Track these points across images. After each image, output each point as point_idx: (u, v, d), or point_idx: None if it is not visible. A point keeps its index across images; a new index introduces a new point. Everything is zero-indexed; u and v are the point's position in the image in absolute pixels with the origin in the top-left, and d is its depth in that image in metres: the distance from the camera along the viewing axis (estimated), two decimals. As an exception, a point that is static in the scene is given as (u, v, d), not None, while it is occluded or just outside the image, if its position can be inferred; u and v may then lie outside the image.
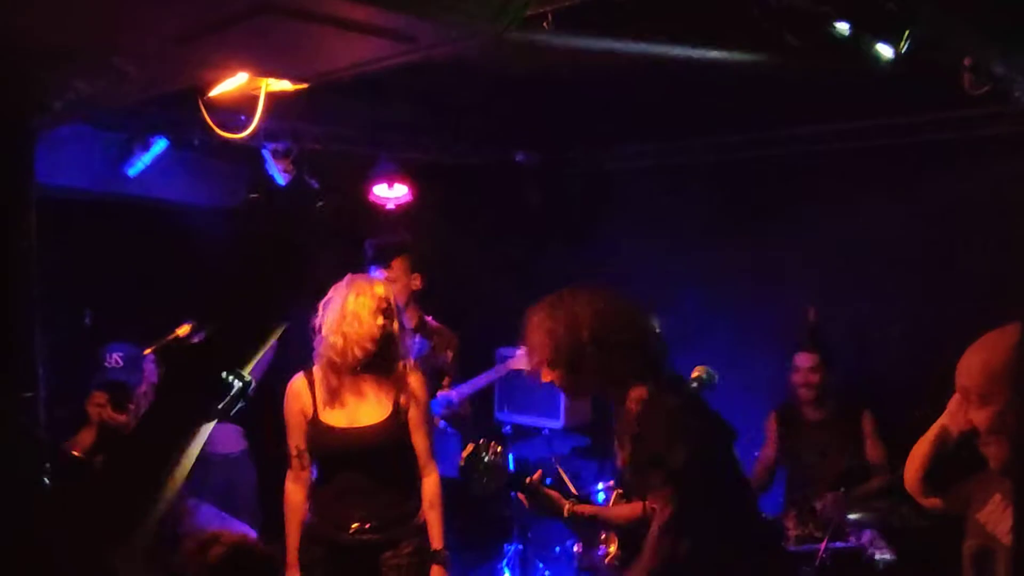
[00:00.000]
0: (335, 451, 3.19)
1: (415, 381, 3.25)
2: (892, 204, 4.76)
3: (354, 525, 3.16)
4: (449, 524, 3.39)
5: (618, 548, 2.73)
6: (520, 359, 4.84)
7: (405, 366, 3.25)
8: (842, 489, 3.92)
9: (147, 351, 4.05)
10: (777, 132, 4.98)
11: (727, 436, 2.66)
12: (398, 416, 3.19)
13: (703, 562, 2.43)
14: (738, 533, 2.55)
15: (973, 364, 1.94)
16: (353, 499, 3.17)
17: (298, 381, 3.25)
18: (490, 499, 3.13)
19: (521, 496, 2.61)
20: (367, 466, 3.17)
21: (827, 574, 3.76)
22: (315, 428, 3.20)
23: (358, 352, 3.10)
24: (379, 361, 3.17)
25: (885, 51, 2.44)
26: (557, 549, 5.71)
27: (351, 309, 3.10)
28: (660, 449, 2.43)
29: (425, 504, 3.28)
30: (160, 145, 4.52)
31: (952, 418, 2.08)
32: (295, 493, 3.29)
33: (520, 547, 5.34)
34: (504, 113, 4.92)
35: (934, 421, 2.22)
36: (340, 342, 3.09)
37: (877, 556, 3.94)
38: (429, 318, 4.54)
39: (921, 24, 2.54)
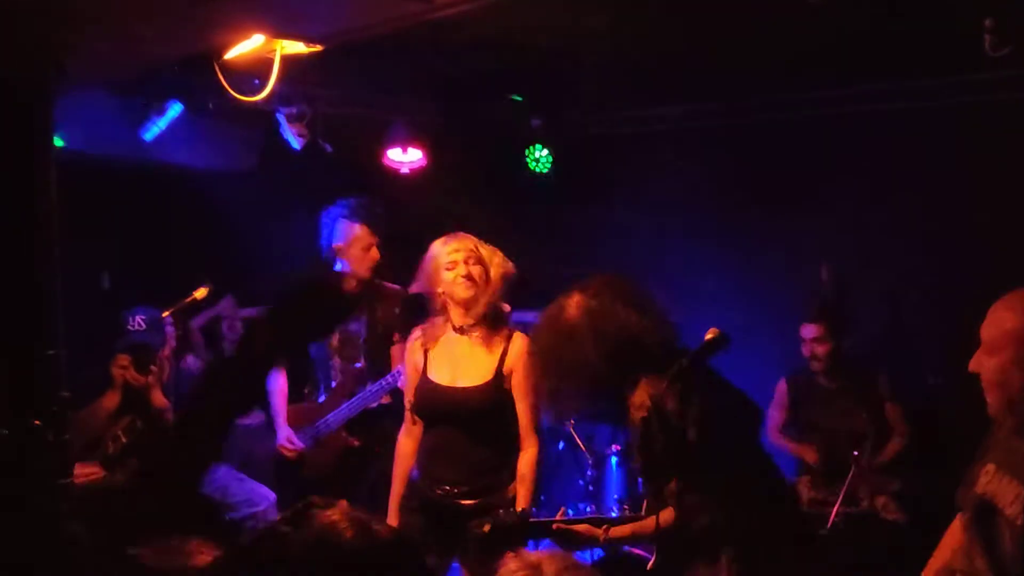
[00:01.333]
0: (434, 407, 3.21)
1: (521, 346, 3.17)
2: (914, 170, 4.73)
3: (444, 488, 3.17)
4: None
5: (657, 555, 2.66)
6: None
7: (513, 330, 3.23)
8: (855, 452, 3.93)
9: (164, 313, 4.10)
10: (795, 95, 4.92)
11: (749, 416, 2.62)
12: (500, 380, 3.17)
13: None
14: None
15: (993, 314, 2.03)
16: (447, 458, 3.17)
17: (415, 337, 3.30)
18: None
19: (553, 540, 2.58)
20: (464, 426, 3.16)
21: (839, 536, 3.79)
22: (422, 384, 3.24)
23: (476, 314, 3.15)
24: (487, 322, 3.18)
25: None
26: (571, 512, 5.75)
27: (461, 270, 3.13)
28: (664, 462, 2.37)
29: (518, 476, 3.21)
30: (175, 109, 4.53)
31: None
32: (404, 445, 3.33)
33: (534, 510, 5.38)
34: (519, 76, 4.90)
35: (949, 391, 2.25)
36: (448, 302, 3.15)
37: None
38: (386, 284, 4.32)
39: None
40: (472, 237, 3.25)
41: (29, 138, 2.69)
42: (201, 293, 4.14)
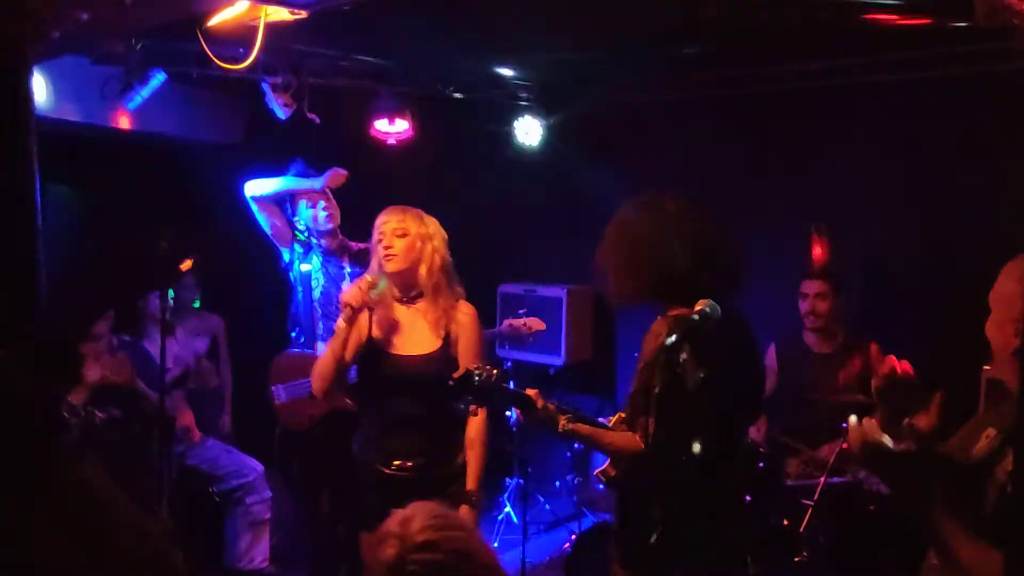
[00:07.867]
0: (385, 376, 3.21)
1: (465, 314, 3.23)
2: (901, 138, 4.74)
3: (396, 462, 3.18)
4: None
5: (610, 465, 2.72)
6: None
7: (455, 298, 3.25)
8: (844, 424, 3.91)
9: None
10: (780, 67, 4.91)
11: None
12: (447, 348, 3.19)
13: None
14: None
15: (1005, 286, 1.92)
16: (400, 428, 3.18)
17: None
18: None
19: (517, 410, 2.61)
20: (416, 395, 3.17)
21: (825, 507, 3.81)
22: (369, 349, 3.22)
23: (414, 286, 3.17)
24: (430, 293, 3.20)
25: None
26: (557, 483, 5.80)
27: (409, 242, 3.16)
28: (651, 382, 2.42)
29: (467, 442, 3.26)
30: (158, 79, 4.46)
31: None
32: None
33: (521, 481, 5.41)
34: (505, 48, 4.85)
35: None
36: (396, 274, 3.16)
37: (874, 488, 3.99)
38: (352, 243, 4.48)
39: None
40: (413, 212, 3.25)
41: (8, 107, 2.64)
42: (186, 265, 4.11)
